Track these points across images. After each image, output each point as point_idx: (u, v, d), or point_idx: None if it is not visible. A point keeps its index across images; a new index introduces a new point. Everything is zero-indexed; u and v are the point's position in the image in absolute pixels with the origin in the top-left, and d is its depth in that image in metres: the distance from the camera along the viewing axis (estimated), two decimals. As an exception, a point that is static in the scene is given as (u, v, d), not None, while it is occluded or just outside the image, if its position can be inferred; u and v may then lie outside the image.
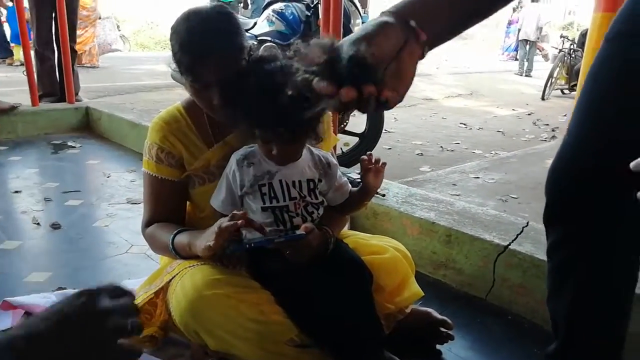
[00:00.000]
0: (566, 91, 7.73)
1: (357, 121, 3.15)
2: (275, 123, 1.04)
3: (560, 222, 0.96)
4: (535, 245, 1.53)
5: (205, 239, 1.05)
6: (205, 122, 1.24)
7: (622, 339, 0.97)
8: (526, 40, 10.88)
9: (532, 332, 1.43)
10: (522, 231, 1.61)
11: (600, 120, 0.87)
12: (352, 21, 3.15)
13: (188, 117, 1.25)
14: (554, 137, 4.50)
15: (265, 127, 1.07)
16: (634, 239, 0.91)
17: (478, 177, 2.97)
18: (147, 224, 1.27)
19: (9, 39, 8.32)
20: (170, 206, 1.27)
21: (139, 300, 1.20)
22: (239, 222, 1.00)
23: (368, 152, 1.20)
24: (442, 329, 1.32)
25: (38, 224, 2.08)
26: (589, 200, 0.89)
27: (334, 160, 1.23)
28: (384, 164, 1.20)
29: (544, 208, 0.97)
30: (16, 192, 2.45)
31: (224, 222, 1.02)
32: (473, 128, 4.83)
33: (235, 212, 1.04)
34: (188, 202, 1.32)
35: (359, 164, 1.21)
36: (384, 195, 1.92)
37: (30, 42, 3.85)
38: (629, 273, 0.94)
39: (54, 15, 3.83)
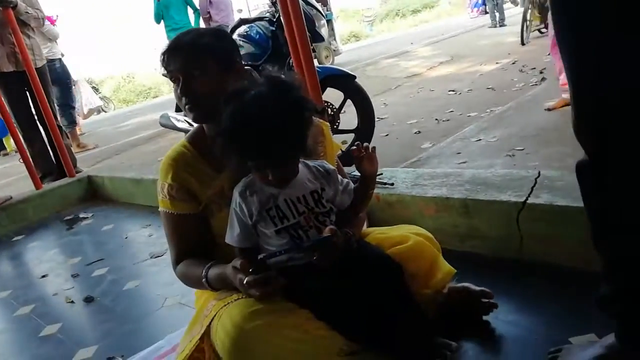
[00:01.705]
0: (544, 30, 7.61)
1: (348, 117, 3.16)
2: (260, 152, 1.07)
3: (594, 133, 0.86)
4: (552, 193, 1.52)
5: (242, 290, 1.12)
6: (211, 149, 1.26)
7: None
8: (491, -9, 10.79)
9: (573, 278, 1.41)
10: (535, 183, 1.61)
11: None
12: (317, 24, 3.17)
13: (194, 149, 1.30)
14: (543, 79, 4.47)
15: (253, 158, 1.09)
16: None
17: (480, 140, 2.96)
18: (176, 262, 1.32)
19: None
20: (194, 240, 1.31)
21: (187, 351, 1.22)
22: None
23: (356, 143, 1.23)
24: (484, 300, 1.32)
25: (72, 302, 2.11)
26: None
27: (331, 166, 1.25)
28: (374, 148, 1.24)
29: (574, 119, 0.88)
30: (43, 276, 2.49)
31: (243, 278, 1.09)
32: (462, 92, 4.81)
33: (235, 264, 1.11)
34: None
35: None
36: (392, 184, 1.93)
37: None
38: None
39: (28, 95, 3.88)
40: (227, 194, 1.25)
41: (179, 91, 1.22)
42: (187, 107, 1.23)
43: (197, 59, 1.20)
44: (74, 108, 6.34)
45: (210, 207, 1.28)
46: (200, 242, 1.31)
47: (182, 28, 6.55)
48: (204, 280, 1.21)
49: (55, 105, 4.27)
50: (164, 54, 1.23)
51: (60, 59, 5.86)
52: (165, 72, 1.24)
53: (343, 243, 1.15)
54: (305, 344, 1.10)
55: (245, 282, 1.08)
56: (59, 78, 5.66)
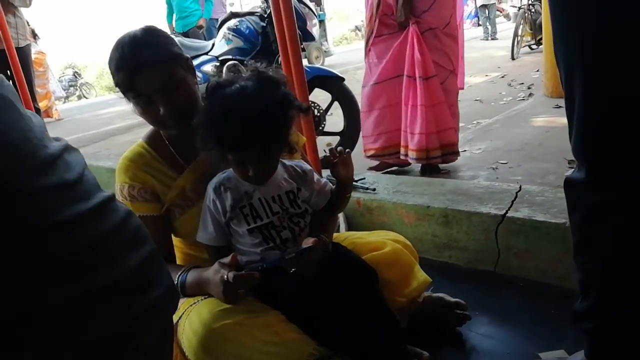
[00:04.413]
0: (534, 46, 7.74)
1: (335, 120, 3.15)
2: (244, 145, 1.04)
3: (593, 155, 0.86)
4: (531, 208, 1.52)
5: (216, 288, 1.08)
6: (171, 149, 1.25)
7: None
8: (484, 5, 10.93)
9: (546, 294, 1.42)
10: (516, 197, 1.61)
11: None
12: (308, 23, 3.15)
13: (152, 150, 1.25)
14: (530, 94, 4.50)
15: (237, 151, 1.06)
16: None
17: (465, 150, 2.96)
18: None
19: None
20: (157, 243, 1.25)
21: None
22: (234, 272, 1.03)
23: (329, 147, 1.20)
24: (458, 311, 1.31)
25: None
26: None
27: (308, 166, 1.23)
28: (349, 152, 1.20)
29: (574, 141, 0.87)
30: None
31: (224, 273, 1.04)
32: (450, 102, 4.83)
33: (223, 261, 1.07)
34: (173, 236, 1.30)
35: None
36: (374, 190, 1.91)
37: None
38: None
39: (9, 75, 3.77)
40: (188, 194, 1.22)
41: (162, 111, 1.13)
42: (171, 120, 1.16)
43: (171, 72, 1.14)
44: None
45: (173, 211, 1.24)
46: (165, 246, 1.27)
47: (189, 16, 6.25)
48: (176, 283, 1.17)
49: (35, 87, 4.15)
50: (128, 77, 1.12)
51: None
52: (133, 95, 1.14)
53: (321, 256, 1.12)
54: (274, 345, 1.07)
55: (226, 277, 1.04)
56: None
